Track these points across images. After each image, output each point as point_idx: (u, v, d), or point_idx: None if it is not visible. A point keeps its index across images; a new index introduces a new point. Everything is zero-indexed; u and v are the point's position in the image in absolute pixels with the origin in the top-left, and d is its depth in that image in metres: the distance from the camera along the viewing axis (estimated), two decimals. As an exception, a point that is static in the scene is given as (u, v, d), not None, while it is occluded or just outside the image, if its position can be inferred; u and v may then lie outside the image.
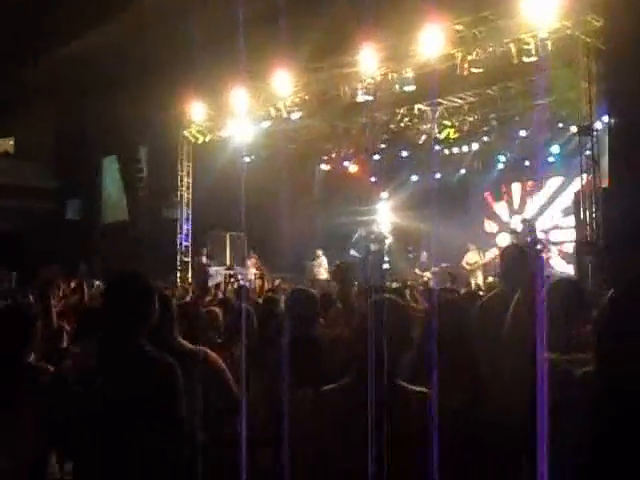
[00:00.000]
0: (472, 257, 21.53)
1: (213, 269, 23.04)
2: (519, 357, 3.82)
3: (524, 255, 5.80)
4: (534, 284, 4.42)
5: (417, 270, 22.44)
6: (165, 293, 5.16)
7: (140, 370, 3.68)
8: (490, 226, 25.31)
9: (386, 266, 22.36)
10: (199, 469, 4.26)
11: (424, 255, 22.68)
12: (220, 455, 4.61)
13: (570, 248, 21.97)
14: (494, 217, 25.46)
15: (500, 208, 25.44)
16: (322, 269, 23.30)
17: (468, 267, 21.32)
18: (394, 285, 15.62)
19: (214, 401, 4.68)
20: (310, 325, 5.30)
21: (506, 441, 3.63)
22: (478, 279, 20.52)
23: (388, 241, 22.73)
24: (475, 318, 5.24)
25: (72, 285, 13.34)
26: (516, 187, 25.17)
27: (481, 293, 10.63)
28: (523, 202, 24.87)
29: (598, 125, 16.99)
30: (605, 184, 16.32)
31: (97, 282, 15.16)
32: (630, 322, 3.36)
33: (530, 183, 24.71)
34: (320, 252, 23.88)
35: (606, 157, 16.63)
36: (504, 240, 22.44)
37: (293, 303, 5.43)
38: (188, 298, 13.30)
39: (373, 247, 22.73)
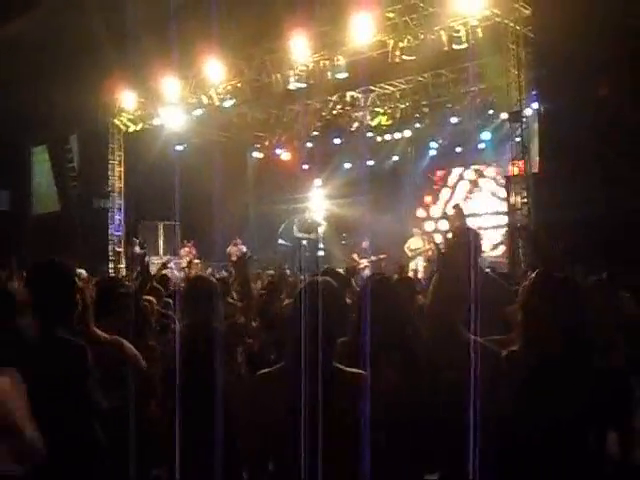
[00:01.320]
0: (415, 242, 21.15)
1: (146, 259, 22.85)
2: (440, 335, 3.90)
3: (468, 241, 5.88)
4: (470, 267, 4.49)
5: (355, 256, 22.43)
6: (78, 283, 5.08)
7: (53, 354, 3.67)
8: (421, 212, 25.51)
9: (321, 253, 22.37)
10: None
11: (365, 242, 22.66)
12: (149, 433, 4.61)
13: (495, 234, 22.33)
14: (427, 203, 25.68)
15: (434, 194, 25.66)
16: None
17: (410, 253, 21.11)
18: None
19: (134, 385, 4.67)
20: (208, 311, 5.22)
21: (441, 420, 3.67)
22: (418, 265, 20.41)
23: (321, 228, 22.72)
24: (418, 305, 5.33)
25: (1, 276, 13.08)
26: (448, 173, 25.39)
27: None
28: (453, 188, 25.14)
29: (528, 112, 17.23)
30: (535, 169, 16.57)
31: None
32: (547, 303, 3.45)
33: (461, 169, 24.97)
34: (239, 240, 23.85)
35: (536, 143, 16.89)
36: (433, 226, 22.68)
37: (190, 290, 5.38)
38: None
39: (305, 235, 22.78)
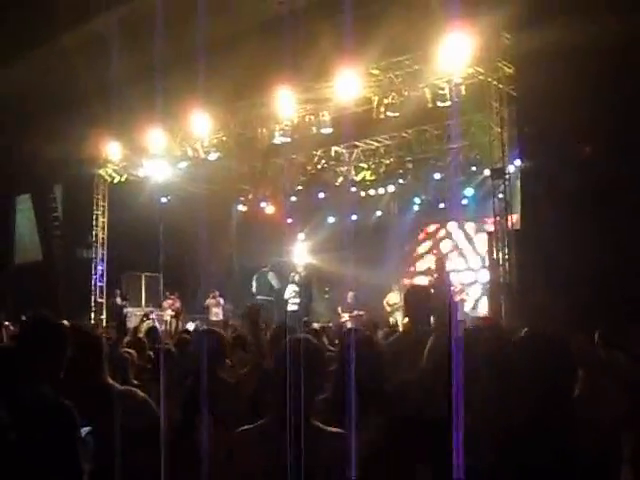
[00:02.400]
0: (393, 298, 21.55)
1: (129, 310, 22.75)
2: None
3: (427, 293, 5.86)
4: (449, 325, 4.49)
5: (339, 310, 22.47)
6: (96, 334, 5.03)
7: (41, 420, 3.61)
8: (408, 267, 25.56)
9: (294, 307, 22.26)
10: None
11: (350, 295, 22.65)
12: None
13: (477, 290, 22.40)
14: (413, 258, 25.73)
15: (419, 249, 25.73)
16: (219, 309, 23.42)
17: (388, 308, 21.41)
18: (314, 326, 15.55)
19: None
20: (215, 366, 5.21)
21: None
22: (397, 319, 20.57)
23: (297, 277, 22.71)
24: (386, 357, 5.31)
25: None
26: (431, 229, 25.48)
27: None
28: (436, 243, 25.23)
29: (510, 168, 17.35)
30: (517, 226, 16.65)
31: (6, 323, 14.78)
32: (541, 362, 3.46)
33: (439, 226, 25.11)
34: (217, 292, 23.85)
35: (518, 199, 16.98)
36: (420, 281, 22.67)
37: (198, 344, 5.37)
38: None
39: (279, 285, 22.88)
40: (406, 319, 17.93)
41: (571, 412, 3.49)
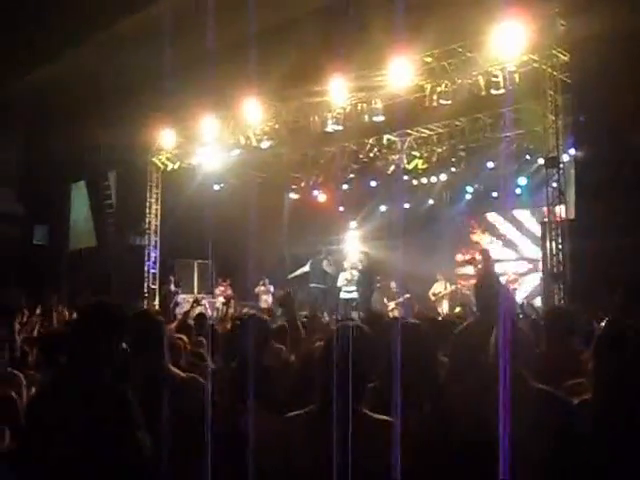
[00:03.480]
0: (437, 287, 21.64)
1: (181, 297, 22.93)
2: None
3: (499, 284, 5.87)
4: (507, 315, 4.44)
5: (385, 300, 22.46)
6: (158, 318, 5.05)
7: (96, 402, 3.65)
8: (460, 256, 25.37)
9: (354, 295, 22.32)
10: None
11: (393, 285, 22.65)
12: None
13: (534, 279, 22.19)
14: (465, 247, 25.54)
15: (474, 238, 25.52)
16: (269, 296, 23.54)
17: (433, 297, 21.43)
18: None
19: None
20: (260, 351, 5.19)
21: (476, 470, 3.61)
22: (443, 309, 20.59)
23: (356, 271, 22.69)
24: (451, 345, 5.27)
25: (38, 311, 13.19)
26: (482, 218, 25.27)
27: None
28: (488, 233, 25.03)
29: (565, 157, 17.15)
30: (571, 216, 16.47)
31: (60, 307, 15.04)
32: (620, 353, 3.40)
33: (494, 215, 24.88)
34: (267, 280, 23.98)
35: (572, 189, 16.80)
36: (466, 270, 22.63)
37: (244, 329, 5.34)
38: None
39: (334, 270, 22.92)
40: (457, 309, 17.86)
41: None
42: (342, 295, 22.48)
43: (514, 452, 3.34)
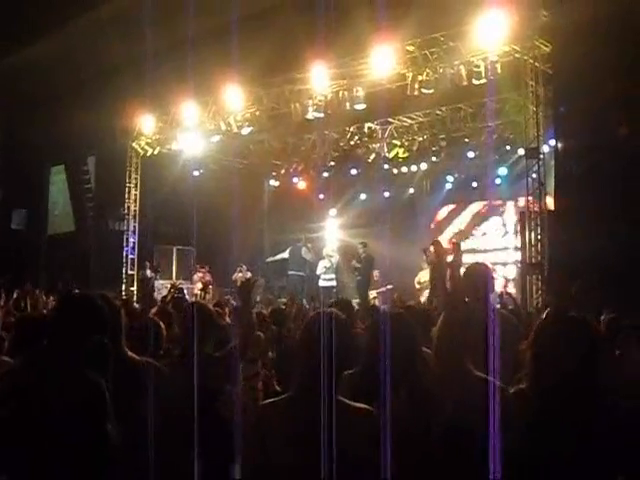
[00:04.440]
0: (423, 276, 21.42)
1: (159, 282, 22.86)
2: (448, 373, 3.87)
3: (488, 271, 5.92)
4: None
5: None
6: (115, 303, 5.07)
7: (72, 390, 3.64)
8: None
9: (333, 283, 22.32)
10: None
11: (376, 273, 22.59)
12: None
13: (510, 270, 22.27)
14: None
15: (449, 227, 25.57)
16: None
17: (418, 286, 21.31)
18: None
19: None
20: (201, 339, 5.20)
21: (446, 457, 3.63)
22: (423, 298, 20.52)
23: (335, 259, 22.69)
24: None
25: (15, 295, 13.10)
26: (461, 208, 25.30)
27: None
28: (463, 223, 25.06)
29: (545, 148, 17.19)
30: (550, 206, 16.52)
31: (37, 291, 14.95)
32: (563, 344, 3.42)
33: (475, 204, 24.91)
34: (244, 266, 23.91)
35: (552, 180, 16.84)
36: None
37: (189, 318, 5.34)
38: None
39: (312, 258, 22.92)
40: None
41: (594, 399, 3.44)
42: (321, 283, 22.46)
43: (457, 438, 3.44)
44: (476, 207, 24.73)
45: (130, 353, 4.79)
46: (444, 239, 23.75)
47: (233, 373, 5.19)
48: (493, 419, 3.34)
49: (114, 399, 3.76)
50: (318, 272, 22.66)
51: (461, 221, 25.19)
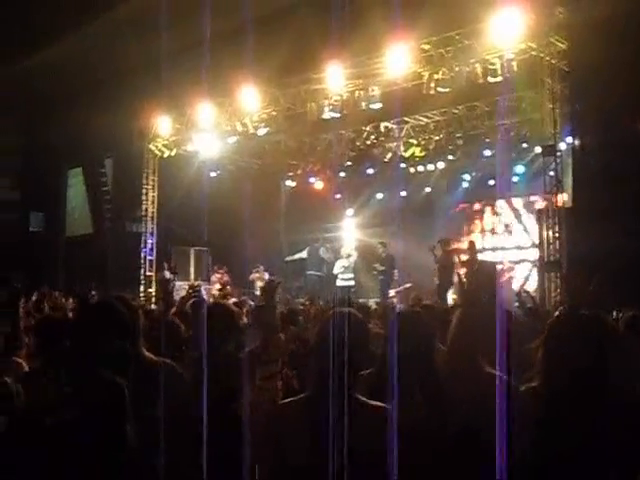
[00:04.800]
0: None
1: (177, 284, 22.88)
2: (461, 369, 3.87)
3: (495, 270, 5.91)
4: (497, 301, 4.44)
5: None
6: (133, 303, 5.08)
7: (92, 390, 3.66)
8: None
9: (351, 282, 22.34)
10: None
11: (396, 273, 22.52)
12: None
13: (525, 268, 22.19)
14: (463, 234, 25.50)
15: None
16: (263, 283, 23.48)
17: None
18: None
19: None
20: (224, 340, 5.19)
21: (461, 453, 3.63)
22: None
23: (352, 258, 22.70)
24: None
25: (34, 298, 13.16)
26: (476, 207, 25.22)
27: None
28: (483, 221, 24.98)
29: (562, 146, 17.13)
30: (568, 204, 16.46)
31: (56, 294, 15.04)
32: (574, 342, 3.41)
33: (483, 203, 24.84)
34: (261, 267, 23.92)
35: (569, 177, 16.78)
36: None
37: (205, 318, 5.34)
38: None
39: (331, 257, 22.89)
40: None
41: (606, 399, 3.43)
42: (339, 282, 22.48)
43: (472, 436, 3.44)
44: (495, 205, 24.64)
45: (147, 354, 4.80)
46: (462, 238, 23.77)
47: (253, 374, 5.20)
48: (503, 417, 3.34)
49: (132, 400, 3.78)
50: (335, 271, 22.69)
51: (481, 219, 25.13)
